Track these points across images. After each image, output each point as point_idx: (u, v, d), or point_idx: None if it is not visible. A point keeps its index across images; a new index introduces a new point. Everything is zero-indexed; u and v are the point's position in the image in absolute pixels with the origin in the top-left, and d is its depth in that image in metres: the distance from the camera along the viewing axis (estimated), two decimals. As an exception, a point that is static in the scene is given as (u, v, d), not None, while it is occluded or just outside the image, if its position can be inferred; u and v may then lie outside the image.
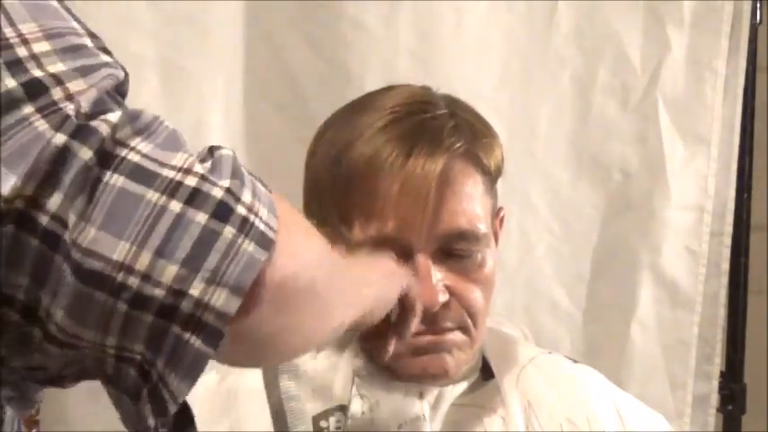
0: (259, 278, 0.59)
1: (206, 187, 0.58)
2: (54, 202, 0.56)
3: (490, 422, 1.01)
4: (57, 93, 0.57)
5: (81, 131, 0.56)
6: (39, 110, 0.56)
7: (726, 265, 1.53)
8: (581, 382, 1.06)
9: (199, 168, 0.58)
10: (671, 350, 1.53)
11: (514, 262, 1.49)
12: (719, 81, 1.50)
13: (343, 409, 1.00)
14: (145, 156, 0.57)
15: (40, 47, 0.58)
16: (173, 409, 0.60)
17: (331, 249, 0.71)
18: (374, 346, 0.91)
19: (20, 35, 0.58)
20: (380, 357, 0.94)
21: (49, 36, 0.59)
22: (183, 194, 0.57)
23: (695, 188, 1.52)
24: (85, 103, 0.57)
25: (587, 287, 1.54)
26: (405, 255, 0.95)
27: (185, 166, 0.58)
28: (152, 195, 0.57)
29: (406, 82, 1.04)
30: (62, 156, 0.56)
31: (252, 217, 0.59)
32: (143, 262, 0.56)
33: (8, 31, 0.58)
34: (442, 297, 0.95)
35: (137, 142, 0.58)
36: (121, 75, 0.62)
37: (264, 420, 1.00)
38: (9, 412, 0.63)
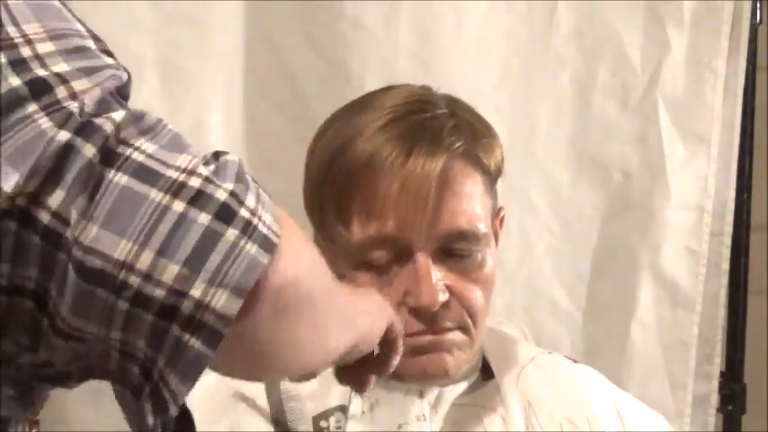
0: (260, 281, 0.59)
1: (210, 189, 0.58)
2: (56, 199, 0.55)
3: (490, 422, 1.01)
4: (61, 91, 0.57)
5: (85, 128, 0.56)
6: (43, 108, 0.56)
7: (726, 265, 1.53)
8: (581, 382, 1.06)
9: (203, 170, 0.58)
10: (671, 350, 1.53)
11: (514, 262, 1.49)
12: (719, 81, 1.50)
13: (343, 409, 1.00)
14: (149, 156, 0.57)
15: (44, 47, 0.58)
16: (173, 409, 0.59)
17: (328, 267, 0.71)
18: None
19: (24, 35, 0.58)
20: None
21: (53, 37, 0.59)
22: (186, 195, 0.57)
23: (695, 188, 1.52)
24: (90, 102, 0.57)
25: (587, 287, 1.54)
26: (404, 254, 0.95)
27: (189, 168, 0.58)
28: (155, 195, 0.56)
29: (406, 82, 1.04)
30: (65, 153, 0.56)
31: (255, 220, 0.59)
32: (144, 261, 0.56)
33: (12, 31, 0.58)
34: (442, 296, 0.95)
35: (141, 142, 0.58)
36: (125, 77, 0.62)
37: (264, 421, 1.00)
38: (8, 415, 0.63)
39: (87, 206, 0.56)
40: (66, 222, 0.56)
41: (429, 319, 0.95)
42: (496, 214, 1.03)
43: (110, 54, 0.62)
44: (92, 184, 0.56)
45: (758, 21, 1.52)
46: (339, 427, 0.99)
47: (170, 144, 0.59)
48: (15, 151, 0.55)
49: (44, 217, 0.56)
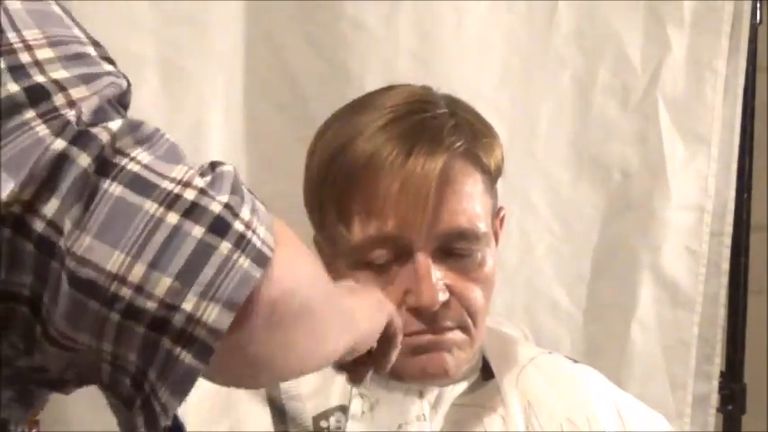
0: (253, 295, 0.58)
1: (204, 201, 0.58)
2: (50, 208, 0.55)
3: (490, 422, 1.01)
4: (59, 99, 0.57)
5: (81, 138, 0.56)
6: (40, 115, 0.56)
7: (726, 265, 1.53)
8: (581, 382, 1.06)
9: (198, 182, 0.58)
10: (671, 350, 1.53)
11: (514, 262, 1.49)
12: (719, 81, 1.50)
13: (343, 409, 1.00)
14: (145, 166, 0.57)
15: (44, 53, 0.58)
16: (164, 422, 0.59)
17: (326, 274, 0.71)
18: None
19: (23, 41, 0.58)
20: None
21: (52, 43, 0.59)
22: (180, 207, 0.57)
23: (695, 188, 1.52)
24: (87, 111, 0.57)
25: (587, 287, 1.54)
26: (404, 254, 0.95)
27: (185, 179, 0.58)
28: (150, 206, 0.56)
29: (406, 82, 1.04)
30: (60, 162, 0.56)
31: (249, 233, 0.58)
32: (137, 273, 0.56)
33: (12, 37, 0.58)
34: (442, 296, 0.95)
35: (137, 152, 0.58)
36: (124, 85, 0.61)
37: (265, 420, 1.00)
38: (8, 416, 0.63)
39: (81, 216, 0.55)
40: (59, 231, 0.55)
41: (429, 318, 0.95)
42: (496, 214, 1.03)
43: (110, 61, 0.62)
44: (86, 193, 0.56)
45: (758, 21, 1.52)
46: (339, 427, 0.99)
47: (166, 154, 0.59)
48: (12, 158, 0.55)
49: (38, 225, 0.55)
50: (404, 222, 0.93)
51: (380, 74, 1.36)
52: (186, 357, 0.57)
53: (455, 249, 0.96)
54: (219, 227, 0.57)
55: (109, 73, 0.61)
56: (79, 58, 0.59)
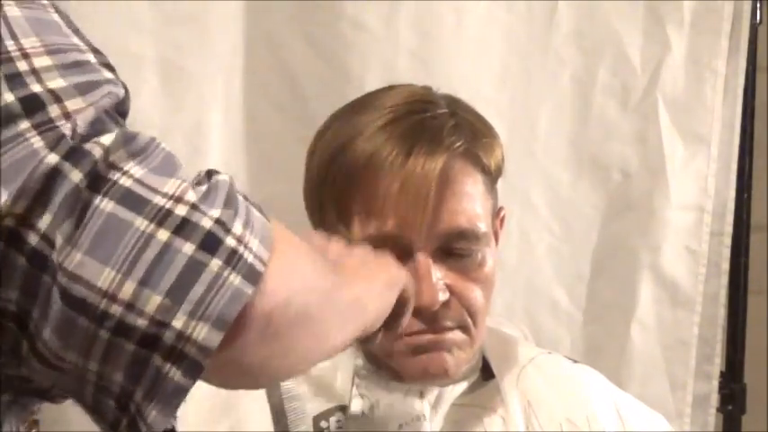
0: (245, 311, 0.58)
1: (195, 217, 0.57)
2: (43, 222, 0.55)
3: (490, 422, 1.01)
4: (54, 110, 0.57)
5: (74, 153, 0.56)
6: (35, 126, 0.56)
7: (726, 265, 1.53)
8: (581, 382, 1.06)
9: (191, 196, 0.58)
10: (671, 350, 1.53)
11: (514, 262, 1.49)
12: (719, 81, 1.50)
13: (343, 409, 1.00)
14: (137, 180, 0.57)
15: (41, 62, 0.58)
16: None
17: (333, 267, 0.71)
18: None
19: (21, 49, 0.58)
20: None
21: (50, 51, 0.59)
22: (171, 224, 0.57)
23: (695, 188, 1.52)
24: (83, 123, 0.57)
25: (587, 287, 1.54)
26: (405, 254, 0.95)
27: (177, 194, 0.58)
28: (140, 223, 0.56)
29: (406, 82, 1.04)
30: (53, 176, 0.55)
31: (241, 249, 0.58)
32: (127, 291, 0.55)
33: (9, 45, 0.58)
34: (442, 296, 0.95)
35: (130, 166, 0.57)
36: (122, 93, 0.61)
37: (265, 420, 1.00)
38: (8, 417, 0.63)
39: (73, 232, 0.55)
40: (52, 246, 0.55)
41: (429, 318, 0.95)
42: (497, 214, 1.03)
43: (110, 68, 0.62)
44: (78, 209, 0.56)
45: (758, 21, 1.52)
46: (339, 428, 0.99)
47: (160, 166, 0.59)
48: (6, 170, 0.55)
49: (32, 239, 0.55)
50: (404, 222, 0.93)
51: (380, 74, 1.36)
52: (176, 375, 0.57)
53: (455, 249, 0.96)
54: (210, 243, 0.57)
55: (107, 81, 0.60)
56: (78, 66, 0.59)
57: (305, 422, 0.99)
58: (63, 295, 0.55)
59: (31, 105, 0.56)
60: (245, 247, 0.59)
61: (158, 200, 0.57)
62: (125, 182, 0.57)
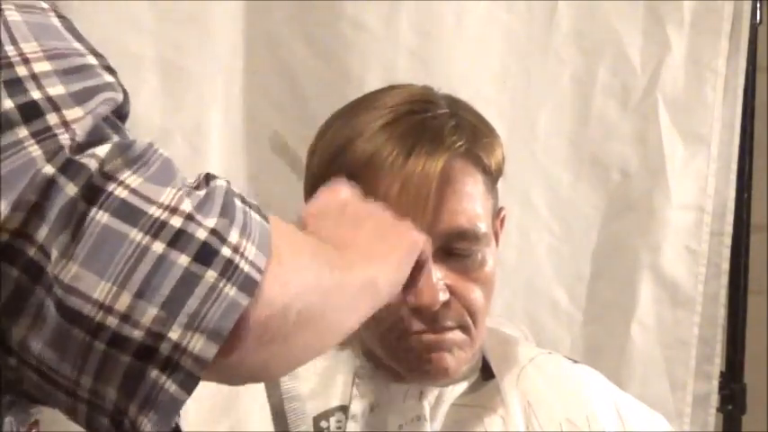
0: (241, 320, 0.58)
1: (191, 228, 0.57)
2: (40, 234, 0.55)
3: (490, 422, 1.01)
4: (52, 118, 0.57)
5: (70, 166, 0.56)
6: (33, 134, 0.56)
7: (726, 265, 1.53)
8: (581, 382, 1.06)
9: (186, 206, 0.58)
10: (671, 350, 1.53)
11: (514, 262, 1.49)
12: (719, 81, 1.50)
13: (343, 409, 1.00)
14: (132, 191, 0.57)
15: (41, 67, 0.58)
16: None
17: (340, 255, 0.70)
18: None
19: (21, 54, 0.58)
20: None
21: (50, 56, 0.58)
22: (166, 235, 0.57)
23: (695, 188, 1.52)
24: (81, 132, 0.57)
25: (587, 287, 1.54)
26: (405, 254, 0.94)
27: (172, 204, 0.58)
28: (135, 235, 0.56)
29: (406, 82, 1.04)
30: (49, 187, 0.55)
31: (237, 258, 0.58)
32: (123, 303, 0.55)
33: (10, 50, 0.57)
34: (443, 296, 0.95)
35: (126, 175, 0.57)
36: (120, 98, 0.61)
37: (265, 420, 1.00)
38: (8, 418, 0.63)
39: (69, 244, 0.55)
40: (48, 257, 0.55)
41: (430, 318, 0.95)
42: (497, 214, 1.02)
43: (110, 70, 0.62)
44: (74, 221, 0.56)
45: (758, 21, 1.52)
46: (339, 428, 0.99)
47: (157, 174, 0.58)
48: (4, 177, 0.55)
49: (29, 250, 0.55)
50: (404, 222, 0.93)
51: (380, 74, 1.36)
52: (171, 387, 0.57)
53: (455, 249, 0.96)
54: (205, 255, 0.57)
55: (107, 85, 0.60)
56: (78, 71, 0.59)
57: (305, 422, 0.99)
58: (58, 307, 0.55)
59: (30, 113, 0.56)
60: (242, 256, 0.58)
61: (153, 211, 0.57)
62: (120, 193, 0.57)
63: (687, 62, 1.50)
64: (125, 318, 0.56)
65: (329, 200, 0.83)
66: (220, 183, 0.61)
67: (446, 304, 0.95)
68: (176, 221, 0.57)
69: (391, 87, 1.02)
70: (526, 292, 1.52)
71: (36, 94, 0.57)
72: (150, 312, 0.56)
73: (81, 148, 0.57)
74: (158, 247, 0.56)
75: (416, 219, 0.93)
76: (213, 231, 0.58)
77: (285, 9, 1.38)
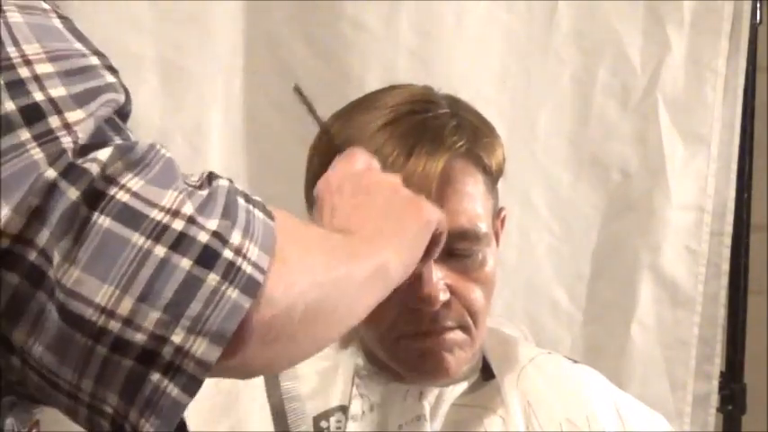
0: (245, 323, 0.58)
1: (192, 231, 0.57)
2: (41, 238, 0.55)
3: (490, 422, 1.01)
4: (54, 121, 0.57)
5: (71, 171, 0.56)
6: (35, 137, 0.56)
7: (726, 266, 1.53)
8: (581, 382, 1.06)
9: (188, 209, 0.58)
10: (671, 350, 1.53)
11: (514, 262, 1.49)
12: (719, 81, 1.50)
13: (343, 409, 1.00)
14: (134, 194, 0.57)
15: (43, 68, 0.58)
16: None
17: (348, 243, 0.69)
18: None
19: (23, 56, 0.58)
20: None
21: (52, 58, 0.58)
22: (168, 239, 0.57)
23: (695, 188, 1.52)
24: (83, 135, 0.57)
25: (587, 287, 1.54)
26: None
27: (174, 207, 0.58)
28: (137, 239, 0.56)
29: (406, 82, 1.04)
30: (51, 192, 0.56)
31: (239, 260, 0.58)
32: (125, 307, 0.55)
33: (11, 51, 0.57)
34: (443, 296, 0.95)
35: (128, 179, 0.57)
36: (122, 99, 0.61)
37: (265, 420, 1.00)
38: (9, 419, 0.63)
39: (71, 248, 0.55)
40: (49, 262, 0.55)
41: (430, 318, 0.95)
42: (498, 214, 1.02)
43: (112, 70, 0.62)
44: (76, 226, 0.56)
45: (758, 21, 1.52)
46: (339, 428, 0.99)
47: (159, 176, 0.58)
48: (6, 180, 0.55)
49: (31, 254, 0.55)
50: (404, 222, 0.93)
51: (380, 74, 1.36)
52: (173, 391, 0.57)
53: (456, 249, 0.96)
54: (207, 258, 0.57)
55: (108, 86, 0.60)
56: (79, 72, 0.59)
57: (305, 422, 0.99)
58: (60, 311, 0.55)
59: (32, 115, 0.56)
60: (244, 257, 0.58)
61: (155, 214, 0.57)
62: (122, 197, 0.57)
63: (687, 62, 1.50)
64: (127, 322, 0.56)
65: (345, 172, 0.83)
66: (222, 182, 0.61)
67: (446, 304, 0.95)
68: (178, 225, 0.57)
69: (392, 87, 1.02)
70: (526, 292, 1.52)
71: (38, 96, 0.57)
72: (153, 316, 0.56)
73: (83, 151, 0.57)
74: (160, 250, 0.56)
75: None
76: (215, 234, 0.58)
77: (285, 9, 1.38)
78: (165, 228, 0.57)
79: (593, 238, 1.54)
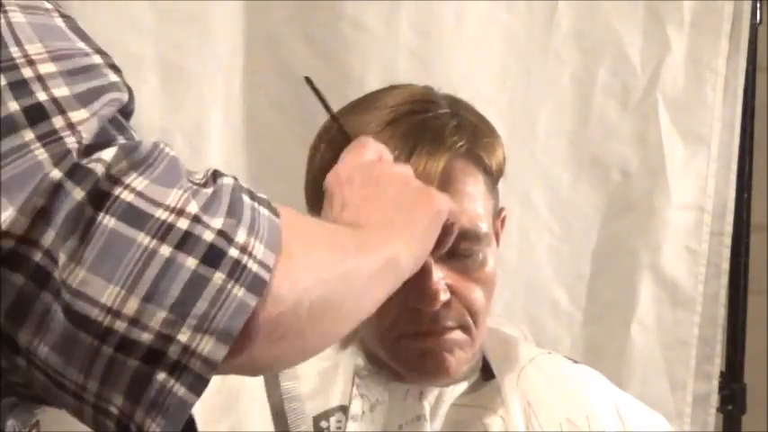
0: (251, 321, 0.58)
1: (197, 230, 0.57)
2: (47, 239, 0.55)
3: (490, 422, 1.01)
4: (58, 121, 0.57)
5: (76, 171, 0.56)
6: (39, 138, 0.56)
7: (726, 265, 1.53)
8: (581, 382, 1.06)
9: (193, 207, 0.58)
10: (671, 350, 1.53)
11: (514, 262, 1.49)
12: (719, 81, 1.50)
13: (343, 409, 1.00)
14: (139, 194, 0.57)
15: (46, 68, 0.58)
16: None
17: (357, 237, 0.69)
18: None
19: (26, 56, 0.58)
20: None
21: (55, 57, 0.58)
22: (173, 238, 0.57)
23: (695, 188, 1.52)
24: (87, 134, 0.57)
25: (587, 287, 1.54)
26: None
27: (179, 206, 0.58)
28: (143, 239, 0.56)
29: (406, 82, 1.04)
30: (56, 193, 0.56)
31: (245, 258, 0.58)
32: (131, 306, 0.56)
33: (14, 51, 0.57)
34: (444, 296, 0.94)
35: (132, 178, 0.57)
36: (125, 98, 0.61)
37: (265, 420, 1.00)
38: (10, 420, 0.63)
39: (76, 249, 0.55)
40: (55, 262, 0.55)
41: (430, 318, 0.95)
42: (498, 214, 1.02)
43: (115, 68, 0.62)
44: (81, 226, 0.56)
45: (758, 21, 1.52)
46: (339, 428, 0.99)
47: (163, 175, 0.58)
48: (9, 180, 0.55)
49: (36, 255, 0.55)
50: (405, 222, 0.93)
51: (380, 74, 1.36)
52: (180, 390, 0.57)
53: (456, 249, 0.96)
54: (212, 256, 0.57)
55: (111, 85, 0.60)
56: (83, 71, 0.59)
57: (305, 422, 0.99)
58: (66, 312, 0.55)
59: (36, 115, 0.56)
60: (250, 255, 0.58)
61: (160, 214, 0.57)
62: (127, 196, 0.57)
63: (687, 62, 1.50)
64: (133, 321, 0.56)
65: (354, 163, 0.83)
66: (227, 180, 0.61)
67: (447, 304, 0.95)
68: (183, 224, 0.57)
69: (392, 87, 1.02)
70: (526, 292, 1.52)
71: (41, 96, 0.57)
72: (159, 315, 0.56)
73: (87, 151, 0.57)
74: (166, 250, 0.56)
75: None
76: (220, 232, 0.58)
77: (285, 9, 1.38)
78: (171, 227, 0.57)
79: (593, 238, 1.54)
